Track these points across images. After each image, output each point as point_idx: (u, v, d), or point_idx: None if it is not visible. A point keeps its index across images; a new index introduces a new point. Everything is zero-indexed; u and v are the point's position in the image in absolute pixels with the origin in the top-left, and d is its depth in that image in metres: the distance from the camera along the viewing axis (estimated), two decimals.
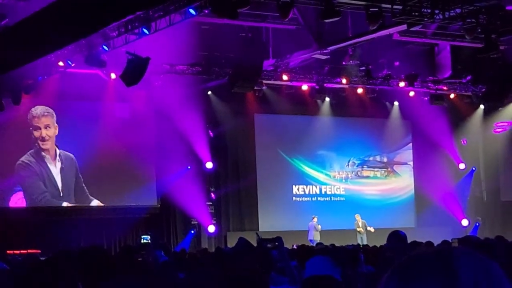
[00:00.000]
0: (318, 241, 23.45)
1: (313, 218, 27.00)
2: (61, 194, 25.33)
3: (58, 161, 25.39)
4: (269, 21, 22.40)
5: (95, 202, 25.75)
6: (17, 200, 24.71)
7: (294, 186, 29.49)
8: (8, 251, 18.93)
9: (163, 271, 7.17)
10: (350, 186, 30.40)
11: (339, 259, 5.64)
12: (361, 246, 13.66)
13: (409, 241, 11.41)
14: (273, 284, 6.59)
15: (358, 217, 27.50)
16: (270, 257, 7.02)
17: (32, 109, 24.94)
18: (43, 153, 25.12)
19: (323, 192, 29.94)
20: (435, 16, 19.05)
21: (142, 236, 24.69)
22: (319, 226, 26.70)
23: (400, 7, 18.43)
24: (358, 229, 27.11)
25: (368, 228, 26.98)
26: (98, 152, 25.36)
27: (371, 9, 18.37)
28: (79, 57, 21.25)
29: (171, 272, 7.24)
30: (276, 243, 7.16)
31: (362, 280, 7.50)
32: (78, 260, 4.45)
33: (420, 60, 26.27)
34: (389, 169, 31.35)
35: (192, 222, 27.05)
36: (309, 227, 26.73)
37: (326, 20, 18.66)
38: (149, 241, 23.35)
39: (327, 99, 28.41)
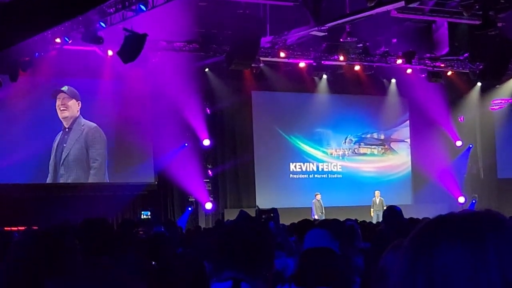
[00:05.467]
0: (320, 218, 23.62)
1: (316, 195, 27.07)
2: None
3: None
4: None
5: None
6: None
7: (291, 163, 29.54)
8: (5, 228, 18.97)
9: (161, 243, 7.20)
10: (347, 163, 30.45)
11: (337, 233, 5.67)
12: (358, 221, 13.71)
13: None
14: None
15: (377, 193, 27.54)
16: (269, 229, 7.05)
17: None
18: None
19: (320, 169, 30.00)
20: None
21: (142, 212, 24.75)
22: (319, 197, 26.85)
23: None
24: (373, 209, 27.31)
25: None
26: None
27: None
28: (76, 34, 21.21)
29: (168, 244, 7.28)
30: (272, 214, 7.20)
31: (359, 254, 7.54)
32: (80, 232, 4.48)
33: (418, 37, 26.20)
34: (386, 147, 31.39)
35: (189, 199, 27.11)
36: (312, 204, 26.83)
37: None
38: (149, 216, 23.38)
39: (325, 76, 28.38)
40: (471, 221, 1.51)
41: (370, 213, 26.91)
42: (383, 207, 26.76)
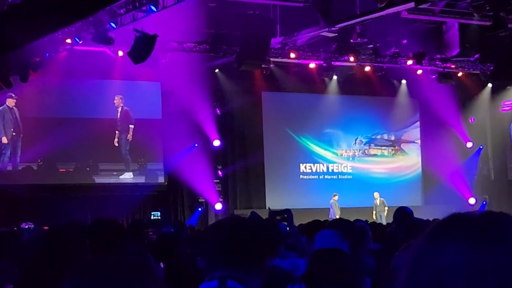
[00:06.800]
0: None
1: (334, 195, 27.10)
2: None
3: None
4: None
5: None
6: None
7: (301, 164, 29.53)
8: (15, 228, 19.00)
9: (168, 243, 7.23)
10: (357, 164, 30.42)
11: (347, 234, 5.65)
12: (368, 222, 13.67)
13: None
14: (280, 258, 6.63)
15: (376, 194, 27.58)
16: (280, 231, 7.06)
17: None
18: None
19: (330, 170, 29.98)
20: None
21: (152, 213, 24.76)
22: (336, 197, 26.96)
23: None
24: (375, 211, 27.31)
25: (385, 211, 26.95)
26: (105, 129, 25.60)
27: None
28: (86, 34, 21.24)
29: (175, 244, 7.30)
30: (285, 215, 7.19)
31: (369, 255, 7.52)
32: (90, 231, 4.48)
33: (428, 38, 26.12)
34: (396, 148, 31.35)
35: (199, 200, 27.12)
36: (330, 205, 26.86)
37: None
38: (159, 217, 23.37)
39: (335, 77, 28.37)
40: (481, 224, 1.45)
41: (372, 215, 26.83)
42: (384, 207, 26.80)
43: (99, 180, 26.05)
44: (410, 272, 1.46)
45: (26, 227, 19.58)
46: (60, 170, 25.58)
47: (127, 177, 26.29)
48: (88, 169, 25.96)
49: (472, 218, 1.47)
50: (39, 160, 25.06)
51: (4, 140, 24.65)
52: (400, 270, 1.49)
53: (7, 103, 24.68)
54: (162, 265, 6.95)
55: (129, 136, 26.14)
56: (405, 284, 1.46)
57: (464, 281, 1.38)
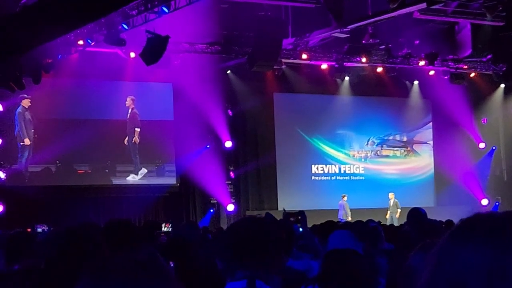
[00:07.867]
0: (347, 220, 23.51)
1: (343, 196, 27.07)
2: None
3: None
4: (288, 0, 22.32)
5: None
6: None
7: (313, 165, 29.47)
8: (28, 230, 19.07)
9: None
10: (370, 165, 30.36)
11: (361, 235, 5.64)
12: (381, 224, 13.63)
13: None
14: (293, 259, 6.61)
15: (391, 195, 27.52)
16: (293, 232, 7.05)
17: None
18: None
19: (342, 171, 29.92)
20: None
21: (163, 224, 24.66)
22: (346, 199, 26.95)
23: None
24: (388, 211, 27.26)
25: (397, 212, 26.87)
26: (117, 130, 25.62)
27: None
28: (98, 36, 21.27)
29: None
30: (299, 217, 7.20)
31: (383, 256, 7.50)
32: (104, 232, 4.48)
33: (440, 39, 26.07)
34: (408, 149, 31.28)
35: (211, 201, 27.11)
36: (339, 206, 26.84)
37: None
38: (170, 228, 23.07)
39: (347, 78, 28.33)
40: (502, 224, 1.43)
41: (386, 216, 26.77)
42: (397, 209, 26.72)
43: (116, 181, 26.07)
44: (431, 272, 1.45)
45: (40, 229, 19.61)
46: (79, 171, 25.60)
47: (131, 178, 26.24)
48: (107, 170, 25.96)
49: (493, 218, 1.46)
50: (57, 162, 25.09)
51: (27, 141, 24.71)
52: (419, 270, 1.47)
53: (22, 104, 24.69)
54: (171, 264, 6.95)
55: (135, 139, 26.10)
56: (426, 284, 1.44)
57: (485, 282, 1.36)
